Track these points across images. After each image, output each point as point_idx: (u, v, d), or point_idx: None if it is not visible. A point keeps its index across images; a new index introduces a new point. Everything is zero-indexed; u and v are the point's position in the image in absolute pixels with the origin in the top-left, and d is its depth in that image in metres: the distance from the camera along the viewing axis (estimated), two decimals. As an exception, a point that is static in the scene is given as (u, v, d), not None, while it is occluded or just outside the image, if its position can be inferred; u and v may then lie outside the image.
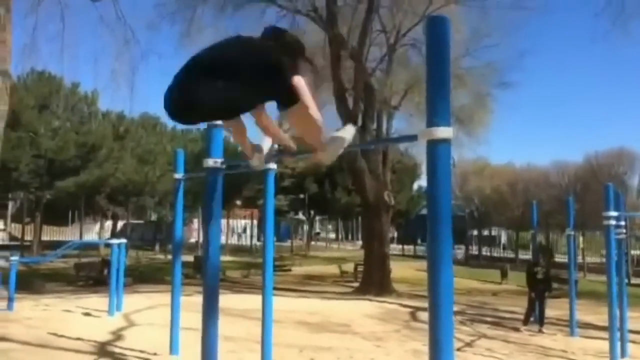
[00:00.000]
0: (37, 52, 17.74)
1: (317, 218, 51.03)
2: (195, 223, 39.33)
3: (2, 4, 13.65)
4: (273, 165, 5.28)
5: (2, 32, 13.67)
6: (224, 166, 3.62)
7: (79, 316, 9.54)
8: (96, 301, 11.08)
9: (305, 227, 47.19)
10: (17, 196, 34.34)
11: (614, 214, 7.04)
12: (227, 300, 11.00)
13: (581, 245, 35.68)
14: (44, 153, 25.57)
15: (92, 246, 26.16)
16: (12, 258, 10.68)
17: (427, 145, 2.41)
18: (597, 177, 32.33)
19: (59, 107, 26.67)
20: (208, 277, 3.56)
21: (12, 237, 34.38)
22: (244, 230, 42.06)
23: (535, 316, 10.63)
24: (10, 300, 10.02)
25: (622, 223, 8.68)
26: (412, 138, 2.75)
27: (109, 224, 38.55)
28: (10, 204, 36.55)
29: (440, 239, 2.38)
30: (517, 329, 10.31)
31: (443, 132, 2.37)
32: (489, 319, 11.77)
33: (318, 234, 52.42)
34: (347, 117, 17.34)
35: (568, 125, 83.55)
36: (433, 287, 2.38)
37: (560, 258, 27.99)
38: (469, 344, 8.57)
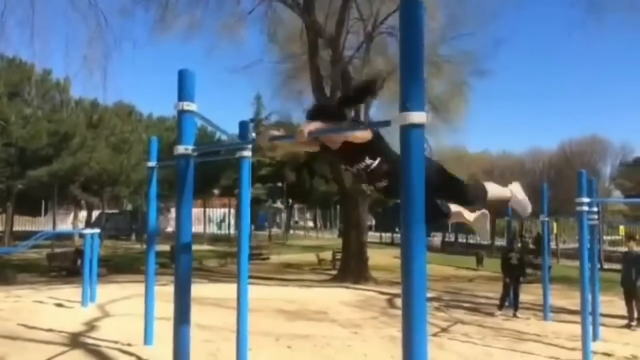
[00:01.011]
0: (6, 37, 17.30)
1: (296, 207, 51.07)
2: (173, 212, 39.00)
3: (-32, -12, 13.24)
4: (248, 153, 5.21)
5: (-32, 16, 13.31)
6: (195, 153, 3.53)
7: (51, 307, 9.36)
8: (69, 292, 10.89)
9: (284, 216, 47.22)
10: (-13, 186, 33.55)
11: (586, 200, 7.12)
12: (203, 289, 10.92)
13: (555, 231, 36.37)
14: (15, 142, 25.02)
15: (66, 236, 25.78)
16: (-18, 249, 10.44)
17: (400, 131, 2.37)
18: (571, 164, 32.87)
19: (30, 95, 26.08)
20: (180, 266, 3.49)
21: (-18, 228, 33.66)
22: (223, 219, 41.91)
23: (509, 301, 10.80)
24: (-20, 292, 9.80)
25: (595, 209, 8.81)
26: (386, 123, 2.71)
27: (83, 214, 38.01)
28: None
29: (414, 226, 2.35)
30: (492, 314, 10.46)
31: (416, 117, 2.32)
32: (465, 304, 11.91)
33: (296, 222, 52.46)
34: (324, 105, 17.29)
35: (543, 113, 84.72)
36: (406, 274, 2.35)
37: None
38: (445, 330, 8.66)
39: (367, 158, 3.22)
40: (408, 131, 2.34)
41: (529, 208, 3.85)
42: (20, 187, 29.13)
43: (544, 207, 10.52)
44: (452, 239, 42.40)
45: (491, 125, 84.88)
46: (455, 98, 20.68)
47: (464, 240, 42.13)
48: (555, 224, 35.44)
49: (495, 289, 12.71)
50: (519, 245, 11.93)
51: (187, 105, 3.53)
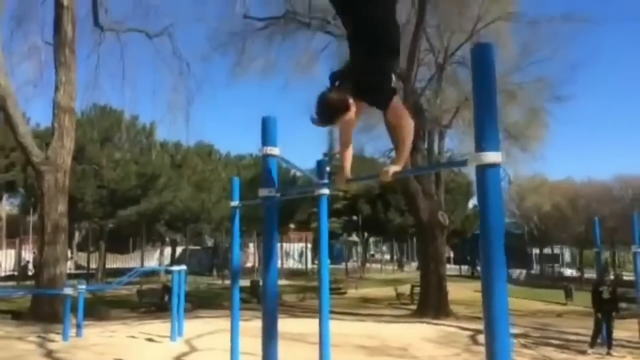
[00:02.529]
0: (99, 88, 18.86)
1: (371, 240, 50.74)
2: (251, 247, 39.92)
3: (68, 46, 14.61)
4: (326, 191, 5.38)
5: (69, 72, 14.65)
6: (278, 194, 3.74)
7: (143, 342, 9.85)
8: (158, 327, 11.41)
9: (359, 249, 47.01)
10: (82, 226, 35.89)
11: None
12: (283, 324, 11.05)
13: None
14: (107, 184, 26.73)
15: (154, 273, 26.97)
16: (80, 287, 11.16)
17: (476, 170, 2.44)
18: (665, 190, 30.76)
19: (121, 140, 27.94)
20: (267, 304, 3.66)
21: (77, 266, 35.86)
22: (300, 254, 42.34)
23: (602, 338, 10.19)
24: (78, 327, 10.46)
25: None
26: (462, 163, 2.79)
27: (168, 250, 39.66)
28: (76, 234, 38.20)
29: (493, 263, 2.39)
30: (583, 352, 9.92)
31: (491, 157, 2.39)
32: (553, 341, 11.36)
33: (372, 255, 52.02)
34: (397, 138, 17.32)
35: (628, 137, 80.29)
36: (488, 310, 2.38)
37: (628, 276, 26.69)
38: (532, 368, 8.31)
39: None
40: (484, 170, 2.41)
41: None
42: (111, 226, 30.97)
43: (635, 237, 9.96)
44: (538, 272, 40.57)
45: (574, 150, 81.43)
46: (532, 125, 20.13)
47: (551, 273, 40.16)
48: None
49: (586, 325, 12.03)
50: (611, 277, 11.27)
51: (270, 150, 3.77)
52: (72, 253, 37.46)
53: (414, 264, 43.16)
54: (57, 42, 14.71)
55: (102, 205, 27.44)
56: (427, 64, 19.73)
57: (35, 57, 16.50)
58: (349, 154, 3.36)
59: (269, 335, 3.57)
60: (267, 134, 3.80)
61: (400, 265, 43.06)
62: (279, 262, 37.85)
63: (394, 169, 2.97)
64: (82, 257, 36.57)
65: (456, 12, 17.33)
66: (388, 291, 23.58)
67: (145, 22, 18.39)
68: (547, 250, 44.17)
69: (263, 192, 3.68)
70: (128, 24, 18.06)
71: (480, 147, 2.42)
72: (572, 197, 37.00)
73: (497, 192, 2.43)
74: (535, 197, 38.58)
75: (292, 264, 41.50)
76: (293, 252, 43.30)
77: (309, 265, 38.82)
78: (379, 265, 44.24)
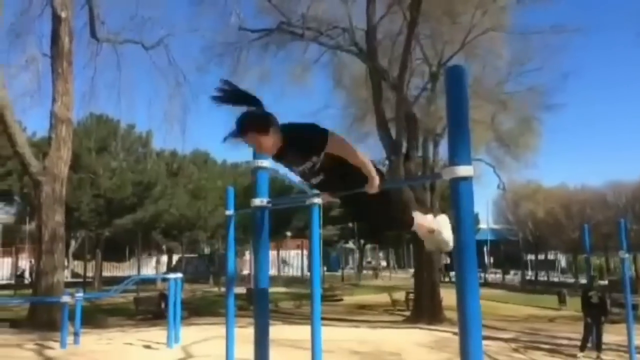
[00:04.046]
0: (95, 98, 19.09)
1: (368, 247, 50.90)
2: (247, 255, 39.99)
3: (65, 58, 14.80)
4: (318, 200, 5.55)
5: (66, 83, 14.84)
6: (270, 205, 3.91)
7: (140, 349, 9.99)
8: (155, 334, 11.54)
9: (356, 256, 47.15)
10: (78, 234, 35.92)
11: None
12: (280, 330, 11.24)
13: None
14: (103, 193, 26.85)
15: (150, 280, 27.04)
16: (77, 295, 11.29)
17: (450, 183, 2.63)
18: (657, 196, 31.05)
19: (117, 149, 28.08)
20: (258, 311, 3.81)
21: (74, 274, 35.88)
22: (297, 261, 42.47)
23: (592, 342, 10.38)
24: (76, 334, 10.59)
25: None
26: (438, 176, 2.98)
27: (164, 258, 39.72)
28: (72, 242, 38.22)
29: (466, 269, 2.58)
30: (574, 356, 10.10)
31: (464, 170, 2.59)
32: (544, 346, 11.54)
33: (369, 262, 52.09)
34: (390, 147, 17.49)
35: (621, 143, 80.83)
36: (462, 313, 2.57)
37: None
38: (522, 372, 8.48)
39: (314, 157, 3.03)
40: (457, 184, 2.60)
41: (446, 246, 3.68)
42: (108, 235, 31.07)
43: (623, 243, 10.17)
44: (533, 277, 40.75)
45: (567, 157, 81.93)
46: (525, 133, 20.39)
47: (546, 279, 40.34)
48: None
49: (577, 330, 12.20)
50: (600, 283, 11.50)
51: (261, 163, 3.95)
52: (68, 262, 37.48)
53: (411, 271, 43.24)
54: (54, 54, 14.91)
55: (99, 214, 27.56)
56: (421, 72, 20.00)
57: (33, 69, 16.71)
58: None
59: (261, 343, 3.72)
60: (258, 147, 3.98)
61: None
62: (276, 270, 37.93)
63: (376, 181, 3.07)
64: (78, 266, 36.61)
65: (448, 23, 17.57)
66: (384, 298, 23.70)
67: (141, 34, 18.59)
68: (542, 256, 44.38)
69: (255, 202, 3.86)
70: (124, 35, 18.29)
71: (453, 161, 2.62)
72: (566, 204, 37.20)
73: (469, 202, 2.62)
74: (530, 203, 38.81)
75: (289, 271, 41.62)
76: (291, 260, 43.43)
77: (306, 273, 38.91)
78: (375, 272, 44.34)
